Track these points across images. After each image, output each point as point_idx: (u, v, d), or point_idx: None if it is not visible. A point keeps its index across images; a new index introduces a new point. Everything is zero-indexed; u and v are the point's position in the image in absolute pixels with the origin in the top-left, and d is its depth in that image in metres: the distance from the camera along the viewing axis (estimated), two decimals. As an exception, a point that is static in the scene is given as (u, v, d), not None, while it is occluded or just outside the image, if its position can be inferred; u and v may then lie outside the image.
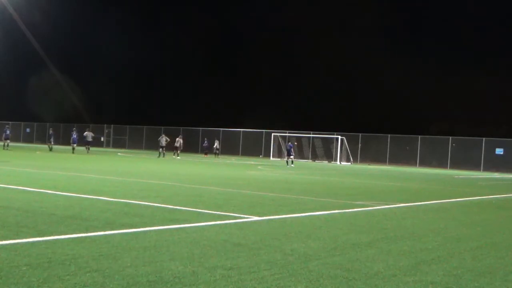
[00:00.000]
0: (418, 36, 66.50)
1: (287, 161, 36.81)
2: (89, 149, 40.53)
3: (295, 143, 48.48)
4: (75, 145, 36.76)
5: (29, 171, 16.97)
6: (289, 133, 53.57)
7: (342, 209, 10.33)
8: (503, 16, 60.29)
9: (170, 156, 40.15)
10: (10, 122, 63.89)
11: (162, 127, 61.68)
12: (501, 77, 56.60)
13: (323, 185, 18.10)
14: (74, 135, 37.22)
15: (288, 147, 37.32)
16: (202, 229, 7.20)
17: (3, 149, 38.04)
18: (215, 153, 48.73)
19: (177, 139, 42.29)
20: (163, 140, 39.38)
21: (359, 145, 51.90)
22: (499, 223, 9.82)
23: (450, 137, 48.19)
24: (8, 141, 39.90)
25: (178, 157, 40.20)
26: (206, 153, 51.00)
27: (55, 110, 69.08)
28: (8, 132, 40.47)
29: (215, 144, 49.00)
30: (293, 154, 37.61)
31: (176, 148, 41.78)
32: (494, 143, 46.50)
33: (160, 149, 39.15)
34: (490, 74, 57.01)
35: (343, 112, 61.04)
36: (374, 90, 62.21)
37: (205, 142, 52.13)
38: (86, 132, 41.84)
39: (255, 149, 55.56)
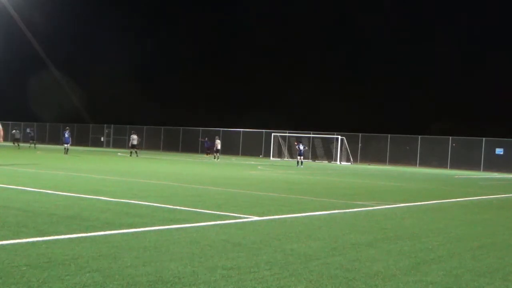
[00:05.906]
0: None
1: (297, 161, 36.87)
2: (33, 144, 46.64)
3: (296, 143, 48.37)
4: (68, 145, 36.68)
5: (29, 171, 16.98)
6: (289, 133, 53.56)
7: (342, 209, 10.33)
8: None
9: (209, 159, 39.39)
10: (10, 122, 63.92)
11: (162, 127, 61.70)
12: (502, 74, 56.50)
13: (323, 185, 18.11)
14: (66, 135, 37.04)
15: (302, 147, 37.47)
16: (202, 229, 7.20)
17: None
18: (135, 150, 46.18)
19: (217, 141, 41.06)
20: (136, 139, 38.63)
21: (359, 145, 51.92)
22: (499, 223, 9.82)
23: (450, 137, 48.18)
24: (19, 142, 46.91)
25: (218, 160, 39.19)
26: (207, 153, 50.91)
27: (55, 110, 69.06)
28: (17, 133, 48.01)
29: (134, 139, 45.75)
30: (303, 155, 37.72)
31: (217, 151, 40.67)
32: (494, 143, 46.50)
33: (132, 149, 38.29)
34: (490, 72, 56.91)
35: (343, 112, 61.01)
36: (375, 89, 62.20)
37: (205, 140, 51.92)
38: (28, 130, 48.64)
39: (255, 149, 55.54)
